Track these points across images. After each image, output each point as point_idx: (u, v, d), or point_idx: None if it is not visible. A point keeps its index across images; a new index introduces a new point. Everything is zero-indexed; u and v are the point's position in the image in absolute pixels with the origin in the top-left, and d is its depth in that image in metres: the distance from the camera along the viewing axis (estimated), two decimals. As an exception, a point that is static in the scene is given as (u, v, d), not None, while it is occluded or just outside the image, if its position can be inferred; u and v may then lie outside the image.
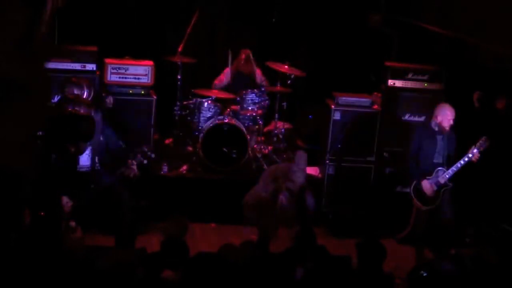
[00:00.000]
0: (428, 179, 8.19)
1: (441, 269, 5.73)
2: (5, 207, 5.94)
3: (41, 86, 6.04)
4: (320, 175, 9.63)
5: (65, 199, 7.55)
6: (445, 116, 8.13)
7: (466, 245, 8.41)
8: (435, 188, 8.18)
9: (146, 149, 7.84)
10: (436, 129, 8.19)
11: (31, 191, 6.48)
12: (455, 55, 9.21)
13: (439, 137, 8.23)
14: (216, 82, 10.11)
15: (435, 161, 8.24)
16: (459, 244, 8.30)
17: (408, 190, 8.35)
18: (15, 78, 5.80)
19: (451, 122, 8.13)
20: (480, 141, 8.02)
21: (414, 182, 8.27)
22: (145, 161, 7.80)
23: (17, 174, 6.20)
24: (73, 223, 6.81)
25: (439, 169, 8.19)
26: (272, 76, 10.07)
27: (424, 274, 5.52)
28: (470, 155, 8.01)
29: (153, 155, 7.93)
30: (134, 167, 7.69)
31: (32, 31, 5.81)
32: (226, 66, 10.06)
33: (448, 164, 8.17)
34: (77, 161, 7.97)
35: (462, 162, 8.06)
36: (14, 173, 6.06)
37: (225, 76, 10.11)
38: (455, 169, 8.10)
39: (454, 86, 9.38)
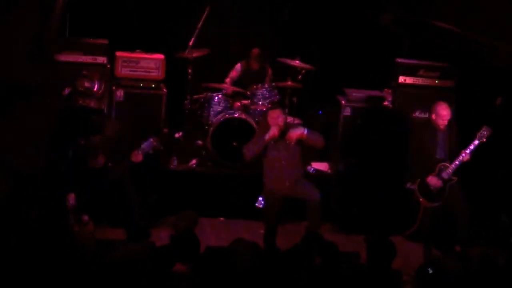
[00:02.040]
0: (433, 175, 8.21)
1: (448, 267, 5.73)
2: (11, 207, 5.98)
3: (52, 86, 6.06)
4: (329, 171, 9.64)
5: (70, 197, 7.56)
6: (439, 116, 8.27)
7: (475, 244, 8.38)
8: (440, 184, 8.21)
9: (153, 140, 7.87)
10: (434, 125, 8.27)
11: (38, 188, 6.50)
12: (466, 53, 9.19)
13: (440, 133, 8.26)
14: (228, 80, 10.09)
15: (437, 156, 8.28)
16: (471, 241, 8.29)
17: (414, 187, 8.37)
18: (28, 81, 5.81)
19: (445, 122, 8.25)
20: (481, 132, 8.04)
21: (419, 179, 8.29)
22: (152, 151, 7.82)
23: (26, 177, 6.24)
24: (85, 217, 6.84)
25: (442, 164, 8.21)
26: (283, 71, 10.05)
27: (430, 271, 5.52)
28: (471, 147, 8.05)
29: (161, 146, 7.95)
30: (140, 155, 7.71)
31: (44, 28, 5.82)
32: (238, 61, 10.08)
33: (451, 159, 8.20)
34: (86, 155, 8.00)
35: (463, 155, 8.10)
36: (23, 175, 6.09)
37: (236, 71, 10.10)
38: (457, 163, 8.13)
39: (466, 83, 9.37)
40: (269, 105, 9.67)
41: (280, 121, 7.99)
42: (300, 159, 8.28)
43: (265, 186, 8.22)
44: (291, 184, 8.11)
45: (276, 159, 8.09)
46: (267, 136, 7.95)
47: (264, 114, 8.43)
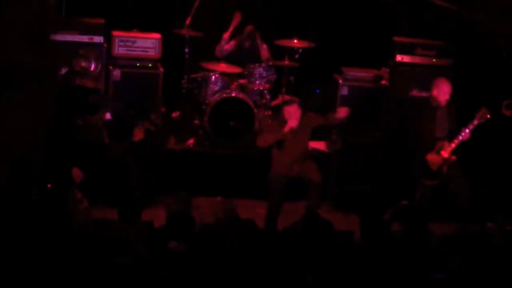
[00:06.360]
0: (432, 153, 8.22)
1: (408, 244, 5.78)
2: (14, 189, 6.00)
3: (50, 69, 6.05)
4: (327, 150, 9.64)
5: (76, 171, 7.59)
6: (441, 91, 8.20)
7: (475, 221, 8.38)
8: (439, 162, 8.21)
9: (152, 117, 7.89)
10: (434, 103, 8.21)
11: (37, 170, 6.52)
12: (464, 31, 9.16)
13: (439, 112, 8.26)
14: (217, 48, 10.04)
15: (437, 135, 8.27)
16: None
17: (413, 165, 8.38)
18: (26, 64, 5.81)
19: (447, 97, 8.20)
20: (480, 113, 8.03)
21: (419, 157, 8.30)
22: (153, 127, 7.84)
23: (27, 159, 6.25)
24: (79, 194, 6.86)
25: (442, 143, 8.22)
26: (280, 50, 10.03)
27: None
28: (471, 127, 8.05)
29: (160, 123, 7.97)
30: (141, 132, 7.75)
31: (42, 11, 5.81)
32: (224, 31, 10.05)
33: (450, 137, 8.20)
34: (86, 134, 8.02)
35: (463, 134, 8.10)
36: (23, 158, 6.10)
37: (230, 46, 10.05)
38: (457, 141, 8.13)
39: (463, 62, 9.36)
40: (266, 84, 9.68)
41: (298, 115, 8.01)
42: (308, 141, 8.39)
43: (273, 167, 8.22)
44: (298, 165, 8.16)
45: (288, 142, 8.12)
46: (286, 129, 7.98)
47: (279, 108, 8.43)
